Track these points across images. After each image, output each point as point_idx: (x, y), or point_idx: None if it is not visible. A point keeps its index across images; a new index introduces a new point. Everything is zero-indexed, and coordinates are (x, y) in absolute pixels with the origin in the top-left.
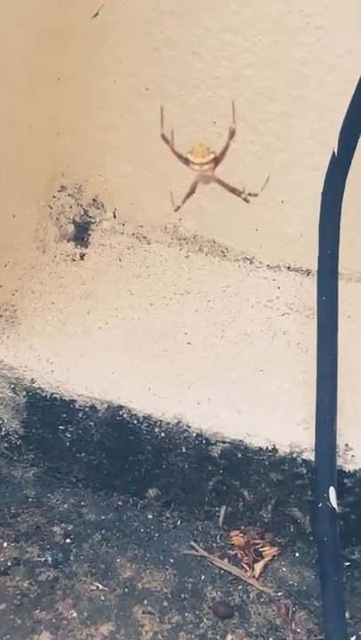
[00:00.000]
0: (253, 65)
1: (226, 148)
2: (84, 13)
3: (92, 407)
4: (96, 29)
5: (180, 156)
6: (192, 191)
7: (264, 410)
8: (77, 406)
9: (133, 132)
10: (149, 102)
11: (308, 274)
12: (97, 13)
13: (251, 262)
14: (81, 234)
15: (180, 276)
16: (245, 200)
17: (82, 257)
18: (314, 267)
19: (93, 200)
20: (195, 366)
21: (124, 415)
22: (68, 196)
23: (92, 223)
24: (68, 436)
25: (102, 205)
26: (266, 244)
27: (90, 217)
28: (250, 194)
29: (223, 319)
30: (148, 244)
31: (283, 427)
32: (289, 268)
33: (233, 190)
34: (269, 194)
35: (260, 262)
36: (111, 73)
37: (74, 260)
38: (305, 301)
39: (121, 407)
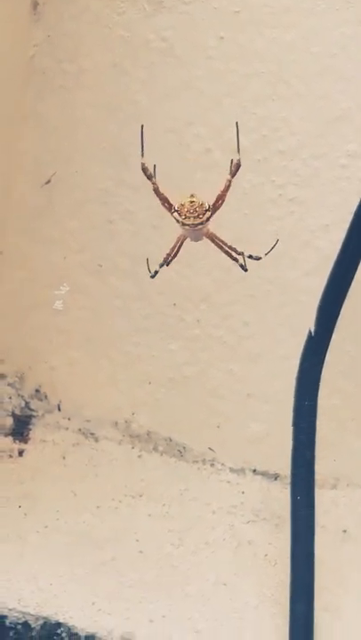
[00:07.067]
0: None
1: (226, 189)
2: (33, 181)
3: (25, 624)
4: (45, 199)
5: (164, 201)
6: (177, 250)
7: (227, 630)
8: (8, 623)
9: (84, 315)
10: (102, 280)
11: (275, 478)
12: (49, 180)
13: (212, 464)
14: (20, 428)
15: (131, 476)
16: (243, 267)
17: (20, 453)
18: (283, 470)
19: (36, 391)
20: (147, 578)
21: (63, 634)
22: (8, 385)
23: (34, 417)
24: None
25: (46, 397)
26: (228, 443)
27: (31, 410)
28: (251, 256)
29: (180, 526)
30: (96, 441)
31: None
32: (255, 471)
33: (228, 252)
34: (233, 386)
35: (223, 464)
36: (61, 248)
37: (11, 457)
38: (273, 508)
39: (59, 624)
